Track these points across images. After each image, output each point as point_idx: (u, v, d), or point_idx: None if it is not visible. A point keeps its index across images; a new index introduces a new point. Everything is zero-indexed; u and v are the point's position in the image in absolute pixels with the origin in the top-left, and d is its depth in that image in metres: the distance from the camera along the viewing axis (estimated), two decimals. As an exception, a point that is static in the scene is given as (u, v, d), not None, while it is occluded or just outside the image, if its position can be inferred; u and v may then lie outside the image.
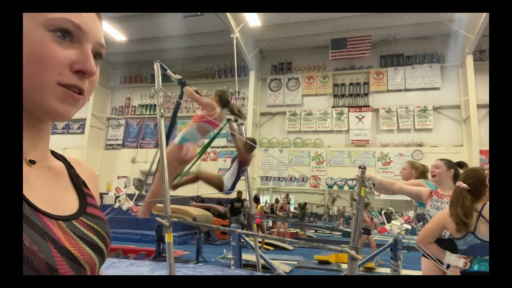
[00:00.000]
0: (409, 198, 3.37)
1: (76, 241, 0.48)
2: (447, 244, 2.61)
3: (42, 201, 0.48)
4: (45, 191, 0.50)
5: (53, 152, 0.59)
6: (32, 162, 0.50)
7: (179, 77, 3.56)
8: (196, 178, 4.02)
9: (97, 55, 0.52)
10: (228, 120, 4.24)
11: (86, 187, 0.59)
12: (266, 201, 13.13)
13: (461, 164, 2.85)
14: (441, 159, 2.90)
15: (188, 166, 3.92)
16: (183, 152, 3.40)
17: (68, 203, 0.53)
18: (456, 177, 2.79)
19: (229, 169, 4.20)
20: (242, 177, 4.38)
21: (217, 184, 4.02)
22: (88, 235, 0.50)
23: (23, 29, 0.45)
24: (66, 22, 0.47)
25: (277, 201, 11.23)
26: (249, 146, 4.02)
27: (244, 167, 4.23)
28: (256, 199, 10.30)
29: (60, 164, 0.57)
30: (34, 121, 0.50)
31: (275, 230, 10.50)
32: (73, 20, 0.47)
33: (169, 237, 2.68)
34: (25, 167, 0.49)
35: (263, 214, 10.13)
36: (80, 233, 0.49)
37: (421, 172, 3.50)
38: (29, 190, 0.47)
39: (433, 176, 2.87)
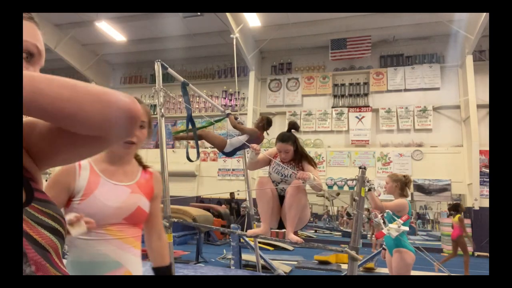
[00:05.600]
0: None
1: (35, 226, 0.50)
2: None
3: None
4: None
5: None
6: None
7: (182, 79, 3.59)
8: (200, 137, 3.99)
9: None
10: (228, 114, 4.35)
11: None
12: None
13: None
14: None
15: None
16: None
17: None
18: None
19: (238, 135, 4.23)
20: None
21: (219, 143, 4.05)
22: (43, 219, 0.53)
23: None
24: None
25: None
26: (265, 125, 4.14)
27: (253, 141, 4.15)
28: None
29: None
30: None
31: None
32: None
33: (169, 237, 2.68)
34: None
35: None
36: (37, 219, 0.51)
37: (402, 184, 3.41)
38: None
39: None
